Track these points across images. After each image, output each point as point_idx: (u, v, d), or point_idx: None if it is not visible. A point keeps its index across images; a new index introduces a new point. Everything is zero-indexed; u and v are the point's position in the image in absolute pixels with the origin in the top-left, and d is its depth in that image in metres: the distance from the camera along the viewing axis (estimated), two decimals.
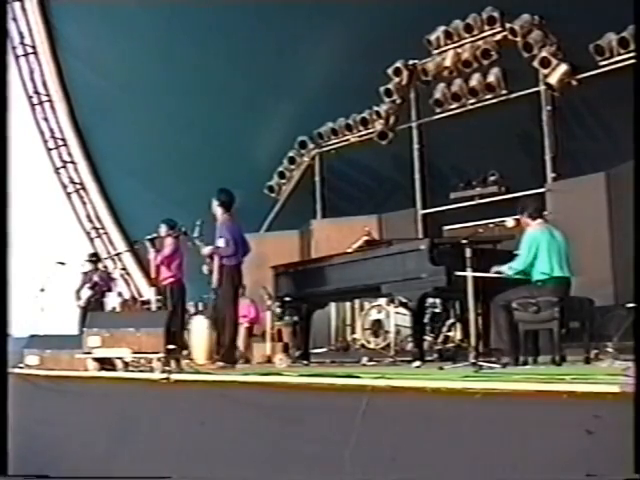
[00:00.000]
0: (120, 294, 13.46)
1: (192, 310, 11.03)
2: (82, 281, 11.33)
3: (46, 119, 17.25)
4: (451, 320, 8.79)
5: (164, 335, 7.09)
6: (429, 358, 7.59)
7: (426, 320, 8.55)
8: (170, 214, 9.24)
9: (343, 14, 11.46)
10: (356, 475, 4.21)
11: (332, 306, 10.88)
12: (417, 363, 6.63)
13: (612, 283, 9.09)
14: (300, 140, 13.21)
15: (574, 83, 10.25)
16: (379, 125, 12.23)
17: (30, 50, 16.91)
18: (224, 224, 7.78)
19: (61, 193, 17.50)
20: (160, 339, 7.07)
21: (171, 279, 8.66)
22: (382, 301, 9.65)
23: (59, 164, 17.41)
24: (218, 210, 7.84)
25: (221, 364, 7.46)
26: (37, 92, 17.08)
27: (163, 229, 8.85)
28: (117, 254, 17.39)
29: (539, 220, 6.37)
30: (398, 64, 11.73)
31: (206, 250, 7.78)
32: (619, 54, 9.59)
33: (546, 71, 10.30)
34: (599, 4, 9.16)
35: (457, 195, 11.32)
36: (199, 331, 9.31)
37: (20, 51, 16.90)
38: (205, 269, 7.96)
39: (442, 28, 11.24)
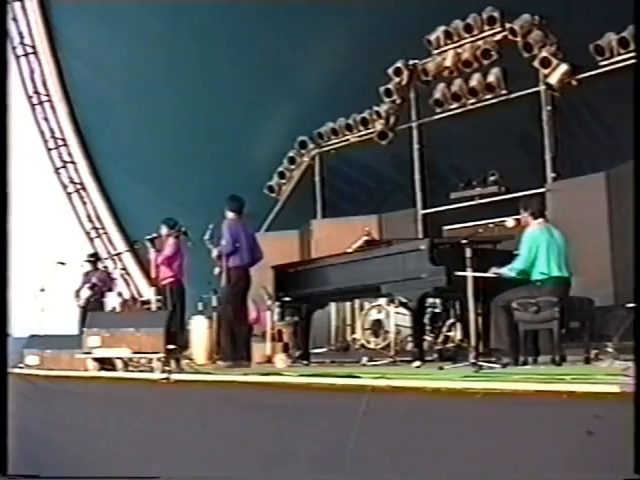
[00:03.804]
0: (120, 294, 13.44)
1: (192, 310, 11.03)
2: (82, 281, 11.31)
3: (46, 119, 17.22)
4: (451, 320, 8.77)
5: (164, 335, 7.10)
6: (429, 358, 7.58)
7: (426, 320, 8.54)
8: (170, 214, 9.25)
9: (343, 14, 11.46)
10: (356, 475, 4.21)
11: (332, 306, 10.87)
12: (417, 363, 6.63)
13: (612, 283, 9.07)
14: (300, 140, 13.19)
15: (574, 83, 10.23)
16: (379, 125, 12.21)
17: (30, 50, 16.87)
18: (226, 225, 7.91)
19: (61, 193, 17.48)
20: (160, 339, 7.08)
21: (171, 279, 8.69)
22: (382, 301, 9.63)
23: (59, 164, 17.38)
24: (229, 214, 8.00)
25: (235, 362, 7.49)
26: (37, 92, 17.05)
27: (163, 229, 8.88)
28: (117, 254, 17.37)
29: (540, 219, 6.38)
30: (398, 64, 11.71)
31: (214, 252, 7.90)
32: (619, 54, 9.57)
33: (546, 71, 10.29)
34: (599, 4, 9.16)
35: (457, 195, 11.30)
36: (199, 331, 9.33)
37: (20, 51, 16.86)
38: (217, 271, 8.08)
39: (442, 28, 11.22)
